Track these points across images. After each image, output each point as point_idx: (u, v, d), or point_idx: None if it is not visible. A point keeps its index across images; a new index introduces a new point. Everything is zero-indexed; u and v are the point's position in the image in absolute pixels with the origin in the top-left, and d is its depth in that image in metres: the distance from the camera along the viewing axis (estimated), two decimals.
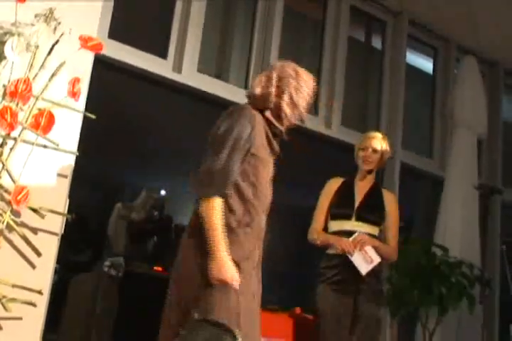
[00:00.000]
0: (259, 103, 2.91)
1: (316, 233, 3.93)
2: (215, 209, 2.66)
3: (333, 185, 4.03)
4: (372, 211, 3.92)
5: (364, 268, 3.71)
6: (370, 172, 4.02)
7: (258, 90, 2.92)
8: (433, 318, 5.24)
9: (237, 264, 2.69)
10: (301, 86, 2.94)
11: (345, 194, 3.97)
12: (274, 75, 2.93)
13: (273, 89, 2.90)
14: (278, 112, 2.92)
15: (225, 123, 2.80)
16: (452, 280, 5.17)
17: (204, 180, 2.70)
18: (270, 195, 2.94)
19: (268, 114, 2.91)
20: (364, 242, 3.74)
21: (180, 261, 2.79)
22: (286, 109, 2.91)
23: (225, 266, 2.62)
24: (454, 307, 5.14)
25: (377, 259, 3.74)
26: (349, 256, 3.72)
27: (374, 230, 3.90)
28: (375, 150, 3.97)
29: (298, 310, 4.57)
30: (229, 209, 2.73)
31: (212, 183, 2.68)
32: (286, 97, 2.90)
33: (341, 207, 3.93)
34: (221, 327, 2.57)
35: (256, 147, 2.81)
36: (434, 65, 6.82)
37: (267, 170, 2.90)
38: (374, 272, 3.77)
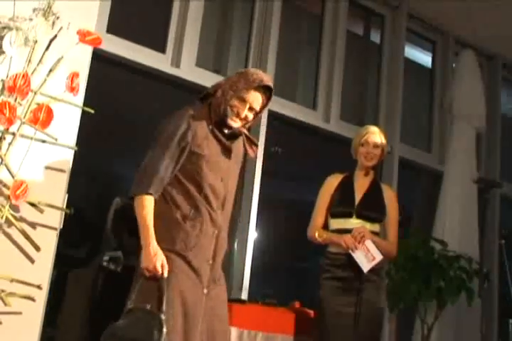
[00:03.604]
0: (205, 102, 3.02)
1: (316, 231, 3.90)
2: (143, 205, 2.83)
3: (333, 182, 4.01)
4: (372, 208, 3.90)
5: (366, 266, 3.70)
6: (373, 168, 4.00)
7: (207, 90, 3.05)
8: (432, 312, 5.25)
9: (181, 255, 2.80)
10: (240, 81, 2.95)
11: (345, 191, 3.94)
12: (223, 79, 3.08)
13: (212, 89, 3.01)
14: (214, 108, 2.97)
15: (160, 127, 2.95)
16: (451, 274, 5.17)
17: (135, 179, 2.87)
18: (225, 191, 2.97)
19: (212, 113, 2.97)
20: (364, 235, 3.73)
21: None
22: (215, 104, 2.96)
23: (154, 256, 2.75)
24: (453, 301, 5.15)
25: (379, 257, 3.72)
26: (351, 253, 3.72)
27: (375, 227, 3.89)
28: (376, 145, 3.95)
29: (297, 304, 4.53)
30: (173, 204, 2.85)
31: (141, 182, 2.83)
32: (219, 93, 2.96)
33: (341, 205, 3.90)
34: (149, 314, 2.66)
35: (197, 145, 2.88)
36: (432, 58, 6.82)
37: (217, 168, 2.94)
38: (376, 269, 3.76)
